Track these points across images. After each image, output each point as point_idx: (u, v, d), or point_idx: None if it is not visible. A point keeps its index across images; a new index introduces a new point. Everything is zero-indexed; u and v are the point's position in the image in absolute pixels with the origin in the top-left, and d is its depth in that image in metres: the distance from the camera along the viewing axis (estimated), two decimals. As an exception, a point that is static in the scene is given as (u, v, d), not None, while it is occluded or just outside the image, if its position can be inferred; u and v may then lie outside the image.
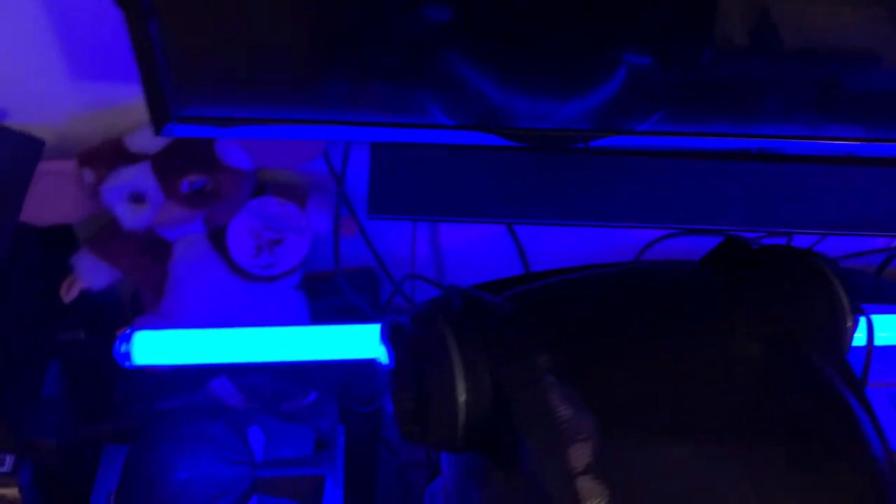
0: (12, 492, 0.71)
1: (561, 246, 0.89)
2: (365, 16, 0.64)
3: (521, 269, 0.90)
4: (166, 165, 0.71)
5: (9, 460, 0.72)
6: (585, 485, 0.40)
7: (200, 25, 0.58)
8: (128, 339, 0.65)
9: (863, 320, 0.50)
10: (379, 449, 0.85)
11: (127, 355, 0.65)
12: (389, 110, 0.70)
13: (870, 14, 0.70)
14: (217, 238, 0.75)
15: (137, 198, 0.71)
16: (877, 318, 0.72)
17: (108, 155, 0.71)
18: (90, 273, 0.75)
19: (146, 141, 0.71)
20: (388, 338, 0.48)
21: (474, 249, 0.91)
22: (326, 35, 0.63)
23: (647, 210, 0.82)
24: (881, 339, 0.72)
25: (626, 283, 0.52)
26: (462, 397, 0.44)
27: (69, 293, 0.75)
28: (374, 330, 0.72)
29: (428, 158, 0.77)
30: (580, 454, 0.40)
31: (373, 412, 0.80)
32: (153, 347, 0.65)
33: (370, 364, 0.84)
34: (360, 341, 0.72)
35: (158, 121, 0.61)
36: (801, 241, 0.88)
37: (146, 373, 0.75)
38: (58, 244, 0.81)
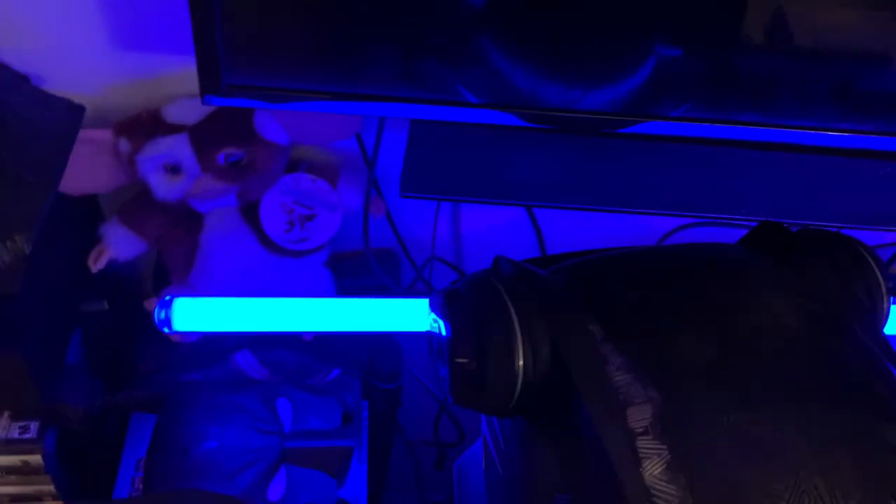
0: (36, 458, 0.71)
1: (579, 232, 0.90)
2: None
3: (538, 253, 0.92)
4: (204, 137, 0.71)
5: (33, 426, 0.72)
6: (646, 445, 0.41)
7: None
8: (168, 305, 0.65)
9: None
10: (395, 426, 0.87)
11: (167, 321, 0.65)
12: (425, 88, 0.72)
13: (886, 14, 0.73)
14: (249, 212, 0.75)
15: (173, 169, 0.72)
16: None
17: (145, 125, 0.72)
18: (119, 243, 0.75)
19: (184, 112, 0.72)
20: (443, 305, 0.49)
21: (493, 233, 0.93)
22: (369, 11, 0.64)
23: (669, 197, 0.84)
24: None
25: (670, 258, 0.54)
26: (521, 361, 0.45)
27: (97, 263, 0.75)
28: (397, 305, 0.74)
29: (459, 140, 0.79)
30: (639, 416, 0.42)
31: (394, 389, 0.81)
32: (191, 314, 0.66)
33: (392, 341, 0.85)
34: (386, 315, 0.73)
35: (208, 88, 0.62)
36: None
37: (170, 344, 0.75)
38: (86, 214, 0.81)
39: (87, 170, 0.73)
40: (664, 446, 0.41)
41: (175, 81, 0.73)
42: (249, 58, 0.62)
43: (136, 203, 0.75)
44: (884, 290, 0.51)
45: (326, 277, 0.79)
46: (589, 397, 0.44)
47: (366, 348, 0.81)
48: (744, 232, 0.60)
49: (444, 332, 0.49)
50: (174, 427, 0.69)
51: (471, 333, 0.47)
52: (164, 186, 0.72)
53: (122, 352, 0.80)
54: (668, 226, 0.90)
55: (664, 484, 0.40)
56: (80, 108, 0.69)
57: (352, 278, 0.84)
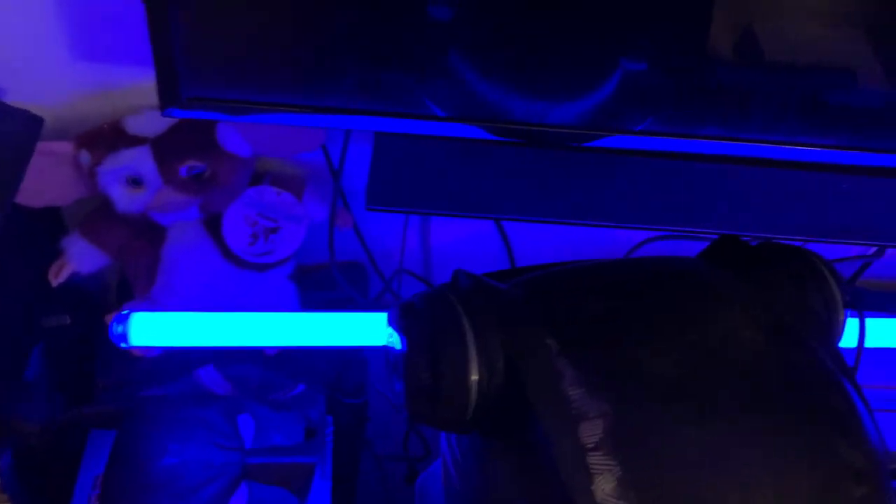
0: (-8, 475, 0.70)
1: (548, 244, 0.90)
2: (371, 8, 0.65)
3: (508, 265, 0.91)
4: (166, 149, 0.70)
5: (-11, 443, 0.71)
6: (597, 460, 0.41)
7: (215, 7, 0.59)
8: (124, 319, 0.64)
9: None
10: (362, 441, 0.86)
11: (123, 336, 0.64)
12: (391, 101, 0.71)
13: (853, 31, 0.73)
14: (212, 224, 0.75)
15: (135, 181, 0.71)
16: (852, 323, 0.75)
17: (106, 137, 0.71)
18: (80, 257, 0.74)
19: (146, 124, 0.71)
20: (399, 318, 0.49)
21: (463, 245, 0.92)
22: (333, 23, 0.64)
23: (636, 211, 0.84)
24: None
25: (630, 271, 0.54)
26: (475, 375, 0.45)
27: (58, 277, 0.74)
28: (363, 319, 0.73)
29: (425, 153, 0.78)
30: (591, 432, 0.42)
31: (360, 404, 0.80)
32: (149, 329, 0.65)
33: (358, 356, 0.84)
34: (351, 330, 0.72)
35: (167, 101, 0.61)
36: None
37: (132, 359, 0.74)
38: (46, 227, 0.80)
39: (48, 182, 0.72)
40: (615, 462, 0.41)
41: (137, 93, 0.72)
42: (209, 70, 0.62)
43: (98, 216, 0.74)
44: (839, 303, 0.51)
45: (291, 291, 0.78)
46: (542, 412, 0.43)
47: (331, 363, 0.80)
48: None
49: (399, 347, 0.49)
50: (133, 443, 0.68)
51: (425, 348, 0.46)
52: (125, 199, 0.71)
53: (85, 367, 0.78)
54: (637, 238, 0.90)
55: (615, 501, 0.40)
56: (38, 120, 0.68)
57: (318, 291, 0.83)
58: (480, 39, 0.72)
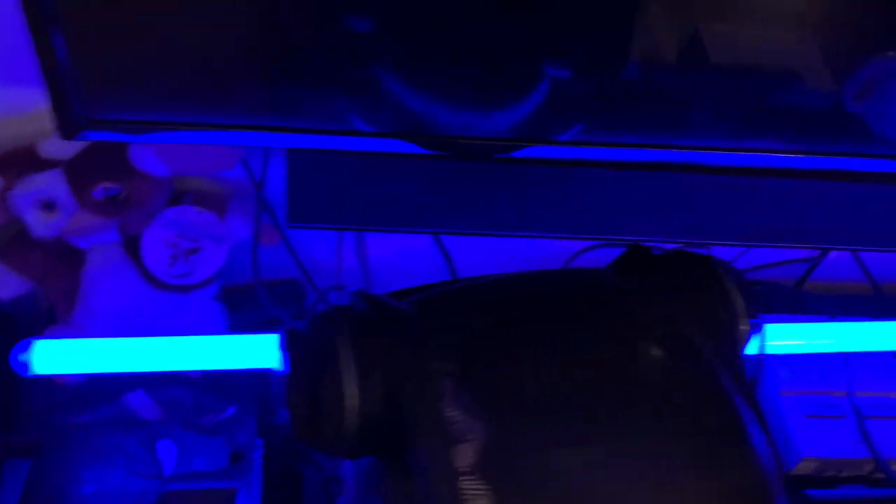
0: None
1: (489, 256, 0.89)
2: (282, 20, 0.63)
3: (449, 278, 0.90)
4: (79, 172, 0.69)
5: None
6: (470, 485, 0.39)
7: (108, 28, 0.58)
8: (25, 348, 0.63)
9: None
10: (301, 463, 0.84)
11: (25, 365, 0.63)
12: (308, 116, 0.70)
13: (786, 33, 0.72)
14: (132, 247, 0.73)
15: (48, 205, 0.69)
16: (787, 328, 0.74)
17: (18, 161, 0.70)
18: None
19: (58, 147, 0.70)
20: (284, 342, 0.48)
21: (402, 259, 0.91)
22: (241, 38, 0.63)
23: (572, 221, 0.82)
24: (792, 348, 0.74)
25: (530, 287, 0.52)
26: (352, 402, 0.43)
27: (-22, 303, 0.73)
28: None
29: (352, 167, 0.77)
30: (466, 455, 0.40)
31: (293, 425, 0.78)
32: (56, 357, 0.64)
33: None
34: (273, 351, 0.71)
35: (65, 126, 0.60)
36: (723, 252, 0.89)
37: (59, 386, 0.72)
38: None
39: (-40, 209, 0.71)
40: (488, 487, 0.39)
41: (48, 116, 0.71)
42: (110, 91, 0.60)
43: (15, 240, 0.73)
44: (740, 311, 0.50)
45: (217, 312, 0.77)
46: (418, 435, 0.42)
47: (262, 385, 0.78)
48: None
49: (283, 370, 0.47)
50: (49, 471, 0.66)
51: (305, 372, 0.45)
52: (40, 223, 0.70)
53: (7, 395, 0.77)
54: (575, 248, 0.89)
55: (484, 527, 0.38)
56: (-56, 146, 0.67)
57: (251, 311, 0.82)
58: (399, 51, 0.71)
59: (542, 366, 0.44)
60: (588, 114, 0.77)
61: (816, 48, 0.75)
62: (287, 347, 0.47)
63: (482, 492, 0.39)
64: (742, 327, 0.50)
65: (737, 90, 0.77)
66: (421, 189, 0.76)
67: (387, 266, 0.92)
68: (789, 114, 0.78)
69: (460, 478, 0.39)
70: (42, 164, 0.69)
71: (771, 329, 0.75)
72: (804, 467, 0.69)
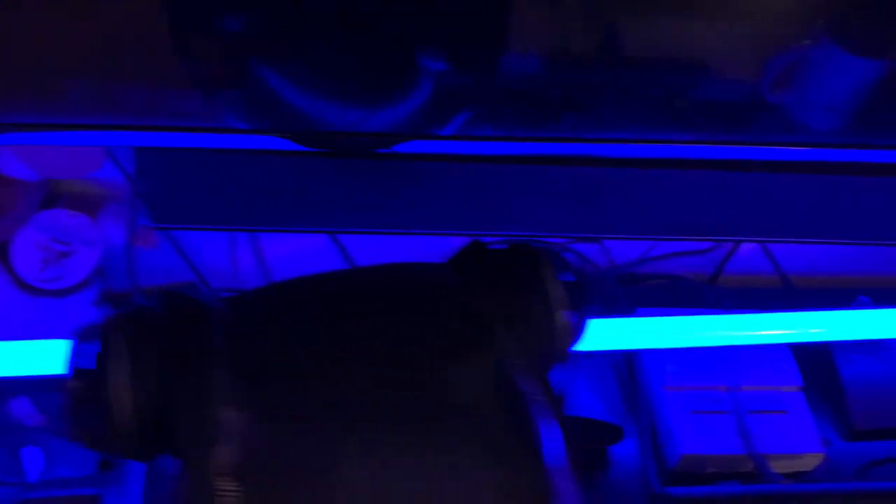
0: None
1: (388, 254, 0.87)
2: (146, 14, 0.62)
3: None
4: (-59, 178, 0.69)
5: None
6: (224, 486, 0.38)
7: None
8: None
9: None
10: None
11: None
12: (178, 114, 0.69)
13: (684, 24, 0.71)
14: (3, 252, 0.73)
15: (-88, 212, 0.69)
16: (669, 321, 0.72)
17: None
18: None
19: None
20: (73, 345, 0.47)
21: (301, 259, 0.90)
22: (99, 35, 0.62)
23: (465, 217, 0.81)
24: (674, 342, 0.72)
25: (349, 284, 0.51)
26: (126, 406, 0.42)
27: None
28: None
29: (229, 165, 0.76)
30: (224, 456, 0.39)
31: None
32: None
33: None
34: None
35: None
36: (618, 246, 0.87)
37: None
38: None
39: None
40: (240, 489, 0.38)
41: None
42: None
43: None
44: (558, 305, 0.48)
45: (95, 317, 0.76)
46: (185, 436, 0.41)
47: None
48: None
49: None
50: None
51: (84, 378, 0.44)
52: None
53: None
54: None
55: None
56: None
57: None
58: (271, 45, 0.70)
59: (323, 365, 0.42)
60: (469, 107, 0.76)
61: (724, 38, 0.73)
62: (73, 352, 0.46)
63: (235, 493, 0.38)
64: (558, 323, 0.48)
65: (620, 80, 0.75)
66: (304, 187, 0.74)
67: (287, 266, 0.90)
68: (675, 105, 0.76)
69: (216, 479, 0.38)
70: None
71: (661, 322, 0.73)
72: (685, 464, 0.67)
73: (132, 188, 0.74)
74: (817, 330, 0.74)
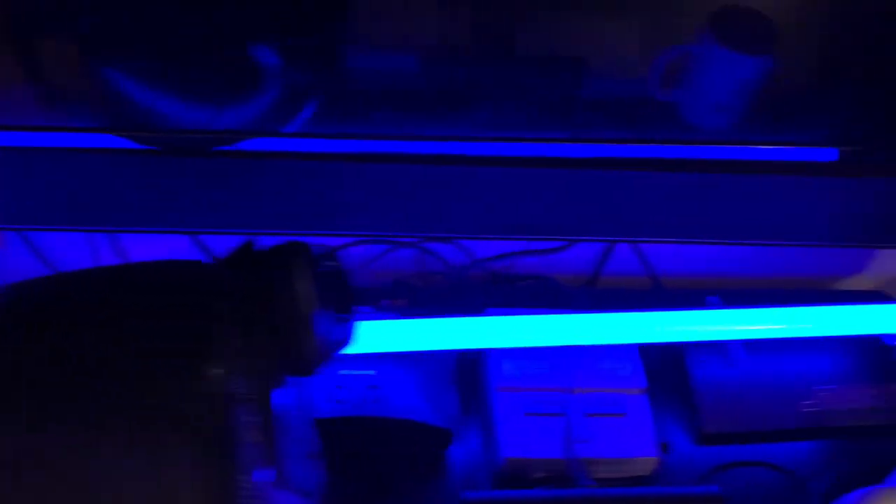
0: None
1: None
2: None
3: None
4: None
5: None
6: None
7: None
8: None
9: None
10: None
11: None
12: (15, 111, 0.69)
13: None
14: None
15: None
16: (509, 321, 0.70)
17: None
18: None
19: None
20: None
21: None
22: None
23: (316, 215, 0.80)
24: (512, 342, 0.71)
25: (103, 281, 0.51)
26: None
27: None
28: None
29: (70, 164, 0.75)
30: None
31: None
32: None
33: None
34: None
35: None
36: (479, 245, 0.86)
37: None
38: None
39: None
40: None
41: None
42: None
43: None
44: (304, 307, 0.47)
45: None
46: None
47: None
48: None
49: None
50: None
51: None
52: None
53: None
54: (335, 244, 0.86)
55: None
56: None
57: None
58: (99, 42, 0.70)
59: (27, 364, 0.42)
60: (311, 104, 0.75)
61: (605, 36, 0.72)
62: None
63: None
64: (307, 323, 0.47)
65: (484, 76, 0.74)
66: (123, 184, 0.74)
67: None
68: (542, 101, 0.75)
69: None
70: None
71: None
72: (509, 468, 0.66)
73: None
74: (667, 330, 0.73)
